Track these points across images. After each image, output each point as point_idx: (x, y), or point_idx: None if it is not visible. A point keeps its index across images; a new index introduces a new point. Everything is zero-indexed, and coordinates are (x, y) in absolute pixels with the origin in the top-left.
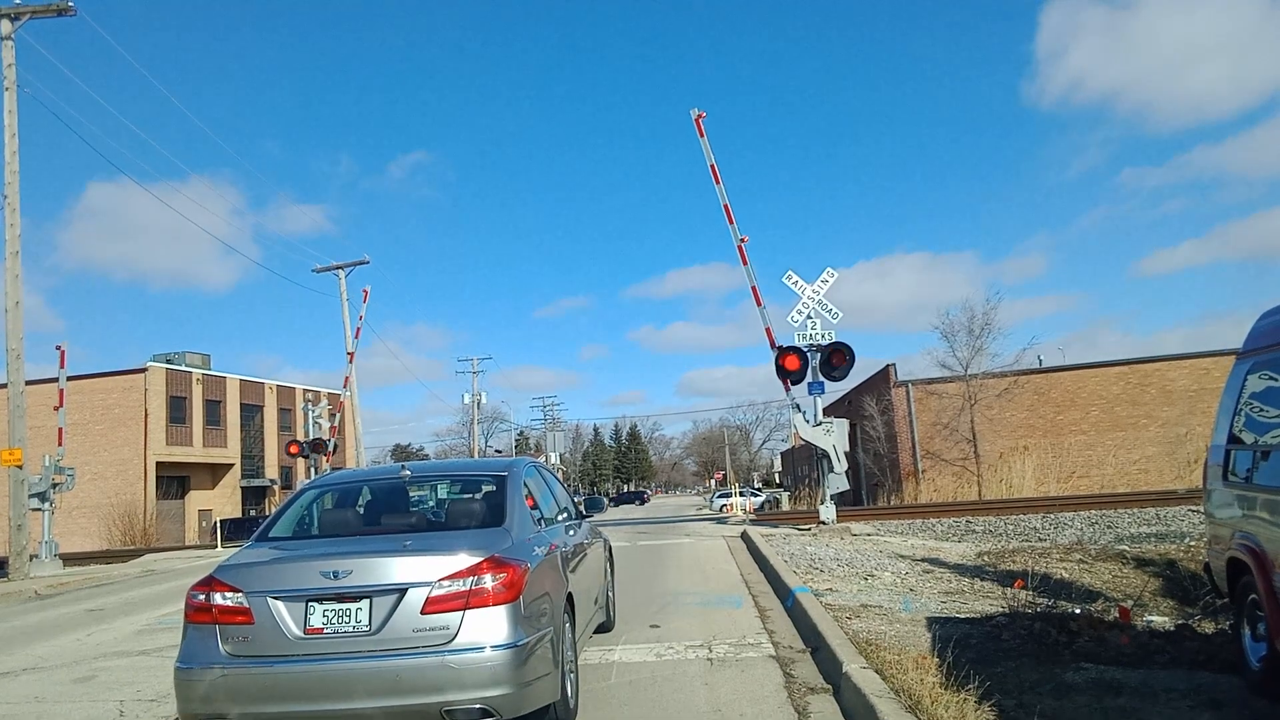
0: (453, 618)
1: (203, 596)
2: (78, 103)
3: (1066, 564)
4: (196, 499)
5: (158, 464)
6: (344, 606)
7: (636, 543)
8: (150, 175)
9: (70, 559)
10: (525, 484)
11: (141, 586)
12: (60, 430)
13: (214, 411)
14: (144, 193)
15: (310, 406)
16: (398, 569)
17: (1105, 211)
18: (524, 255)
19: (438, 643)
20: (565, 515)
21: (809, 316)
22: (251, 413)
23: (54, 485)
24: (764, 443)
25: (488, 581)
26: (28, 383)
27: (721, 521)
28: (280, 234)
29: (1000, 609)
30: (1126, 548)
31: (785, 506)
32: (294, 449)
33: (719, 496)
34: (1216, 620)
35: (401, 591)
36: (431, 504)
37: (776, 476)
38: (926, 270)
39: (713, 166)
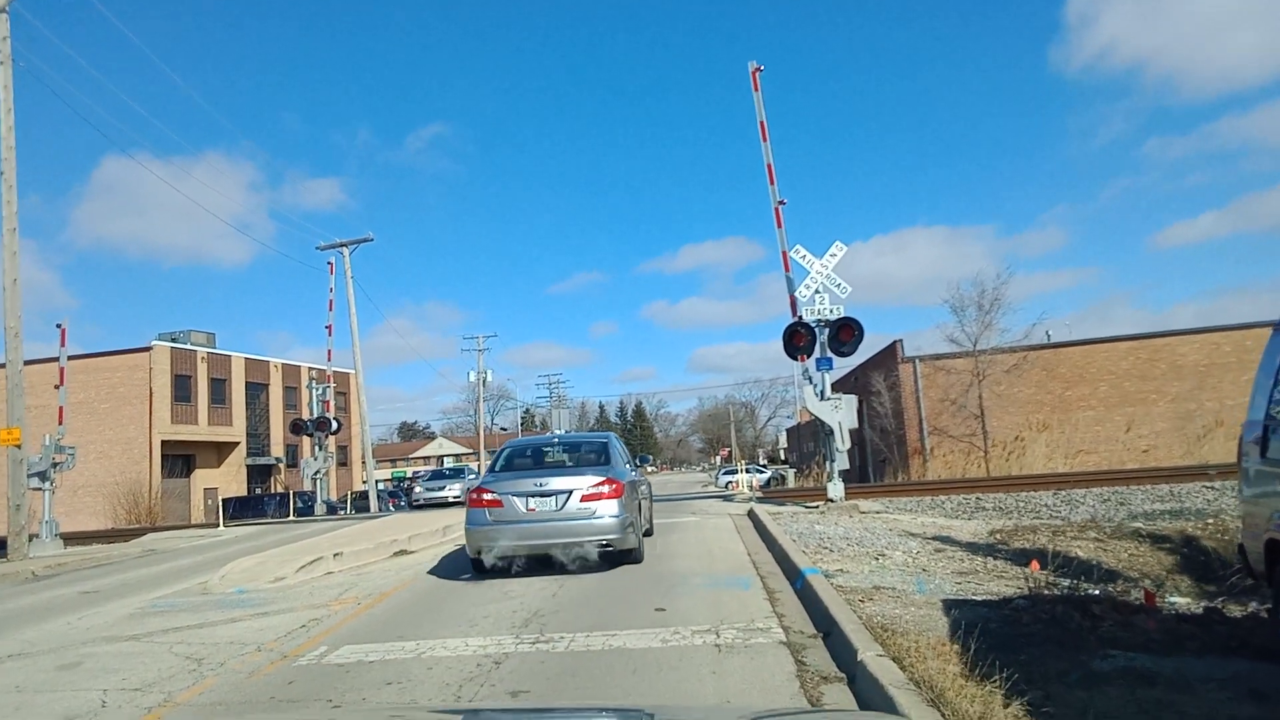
0: (594, 504)
1: (477, 495)
2: (89, 81)
3: (1081, 542)
4: (202, 477)
5: (163, 443)
6: (544, 498)
7: None
8: (165, 151)
9: (72, 538)
10: (616, 445)
11: (140, 567)
12: (60, 409)
13: (219, 390)
14: (158, 171)
15: (314, 384)
16: (568, 482)
17: (1127, 183)
18: (539, 230)
19: (588, 515)
20: (629, 464)
21: (817, 291)
22: (257, 391)
23: (54, 464)
24: (769, 419)
25: (606, 489)
26: (33, 362)
27: (728, 499)
28: (296, 208)
29: (1017, 590)
30: (1141, 525)
31: (792, 483)
32: (296, 427)
33: (724, 473)
34: (1243, 603)
35: (570, 493)
36: (565, 454)
37: (782, 453)
38: (944, 244)
39: (762, 124)
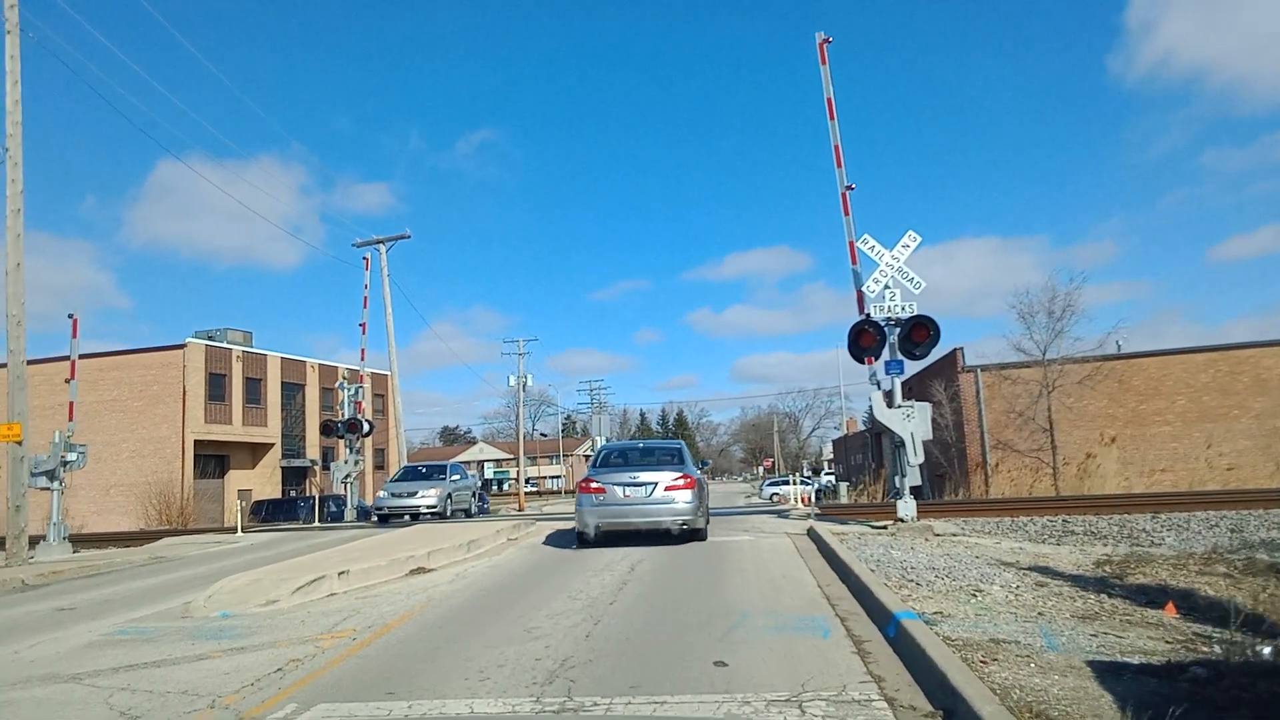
0: (674, 494)
1: (585, 484)
2: (142, 85)
3: (1209, 578)
4: (236, 479)
5: (196, 442)
6: (636, 488)
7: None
8: (220, 155)
9: (89, 540)
10: (686, 449)
11: (136, 579)
12: (71, 404)
13: (254, 390)
14: (212, 174)
15: (346, 384)
16: (654, 476)
17: (1183, 195)
18: (584, 236)
19: (669, 501)
20: (696, 465)
21: (887, 286)
22: (293, 392)
23: (64, 463)
24: (813, 430)
25: (682, 482)
26: (61, 359)
27: (781, 515)
28: (345, 212)
29: (1169, 646)
30: (1265, 556)
31: (845, 497)
32: (327, 428)
33: (769, 484)
34: None
35: (656, 484)
36: (649, 455)
37: (827, 465)
38: (994, 255)
39: (829, 100)
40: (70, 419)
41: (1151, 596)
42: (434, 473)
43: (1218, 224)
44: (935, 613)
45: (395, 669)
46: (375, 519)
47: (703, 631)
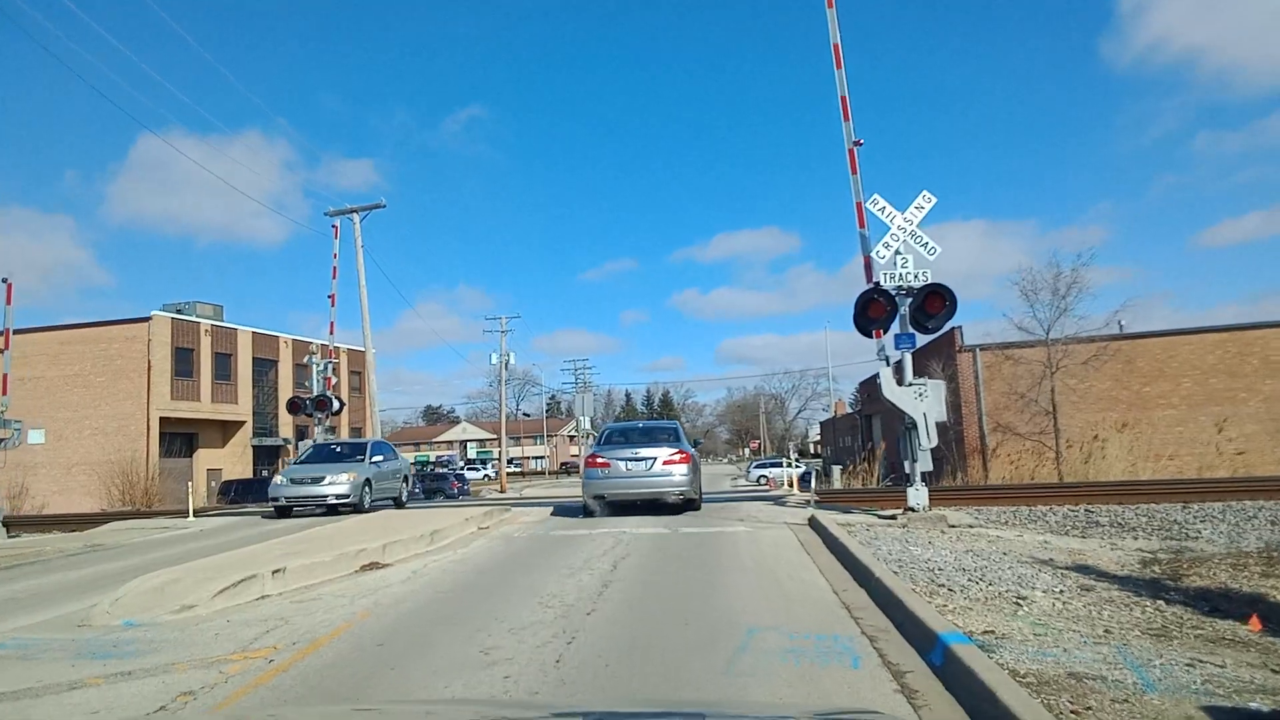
0: (671, 468)
1: (592, 459)
2: (124, 61)
3: (1276, 581)
4: (205, 457)
5: (162, 420)
6: (637, 463)
7: (678, 530)
8: (203, 131)
9: (28, 524)
10: (681, 428)
11: (61, 570)
12: (4, 377)
13: (224, 365)
14: (195, 150)
15: (316, 359)
16: (654, 452)
17: (1173, 180)
18: (572, 216)
19: (667, 474)
20: (690, 442)
21: (898, 252)
22: (265, 368)
23: None
24: (800, 411)
25: (678, 457)
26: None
27: (778, 502)
28: (331, 188)
29: (1274, 672)
30: None
31: (838, 481)
32: (294, 406)
33: (756, 466)
34: None
35: (655, 459)
36: (649, 433)
37: (813, 447)
38: (982, 238)
39: (836, 47)
40: (3, 393)
41: (1215, 603)
42: (351, 453)
43: (1207, 209)
44: (985, 632)
45: (308, 711)
46: (273, 510)
47: (701, 656)
